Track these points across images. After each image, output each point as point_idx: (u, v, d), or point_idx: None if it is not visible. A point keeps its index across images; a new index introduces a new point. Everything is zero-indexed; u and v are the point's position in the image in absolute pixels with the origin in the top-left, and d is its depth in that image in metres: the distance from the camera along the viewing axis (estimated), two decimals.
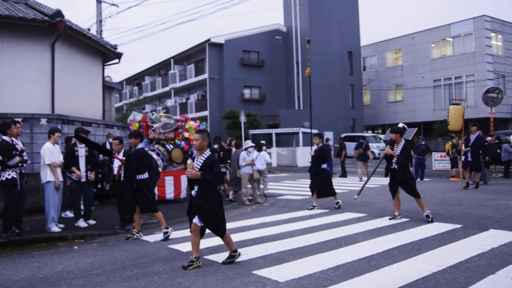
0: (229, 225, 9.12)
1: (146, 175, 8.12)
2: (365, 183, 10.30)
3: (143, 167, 8.05)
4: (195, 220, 6.00)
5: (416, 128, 9.89)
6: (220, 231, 6.11)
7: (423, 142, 18.84)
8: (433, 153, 23.34)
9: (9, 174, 8.12)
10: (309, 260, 6.18)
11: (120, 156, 8.67)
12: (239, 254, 6.23)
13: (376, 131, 48.62)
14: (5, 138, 8.27)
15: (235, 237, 7.83)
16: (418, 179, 18.26)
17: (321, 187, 11.02)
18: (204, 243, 7.38)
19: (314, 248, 6.89)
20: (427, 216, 8.85)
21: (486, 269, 5.47)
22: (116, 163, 9.02)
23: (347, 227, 8.63)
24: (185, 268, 5.88)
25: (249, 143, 13.01)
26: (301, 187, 16.64)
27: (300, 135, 30.82)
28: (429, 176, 19.63)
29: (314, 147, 11.19)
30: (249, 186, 13.08)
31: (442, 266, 5.62)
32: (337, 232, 8.15)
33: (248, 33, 41.14)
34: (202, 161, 6.03)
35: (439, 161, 22.53)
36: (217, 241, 7.59)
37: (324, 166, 11.08)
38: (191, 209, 6.09)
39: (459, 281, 5.04)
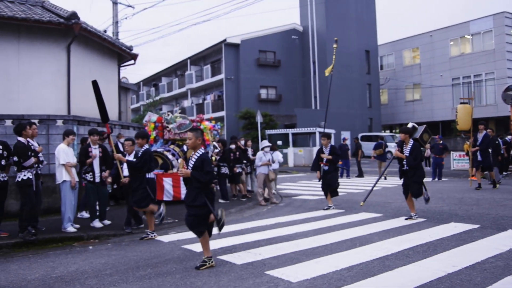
0: (244, 225, 9.22)
1: (152, 175, 8.45)
2: (372, 189, 10.24)
3: (151, 167, 8.39)
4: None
5: (425, 126, 9.65)
6: (197, 228, 6.00)
7: (441, 142, 18.62)
8: (452, 152, 23.05)
9: (24, 175, 8.17)
10: (322, 261, 6.14)
11: (131, 157, 8.54)
12: (212, 262, 6.01)
13: (394, 131, 48.21)
14: (21, 139, 8.33)
15: (249, 237, 7.89)
16: (436, 179, 18.07)
17: (327, 184, 10.96)
18: (218, 243, 7.42)
19: (328, 249, 6.84)
20: (410, 217, 8.98)
21: (503, 270, 5.37)
22: (126, 164, 8.93)
23: (362, 227, 8.56)
24: (197, 268, 5.87)
25: (265, 143, 12.95)
26: (317, 187, 16.46)
27: (317, 135, 30.68)
28: (447, 175, 19.38)
29: (328, 149, 10.99)
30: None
31: (458, 267, 5.53)
32: (352, 232, 8.09)
33: (264, 33, 41.07)
34: (194, 160, 6.01)
35: (457, 160, 22.22)
36: (230, 241, 7.65)
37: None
38: None
39: (475, 282, 4.95)
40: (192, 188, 5.96)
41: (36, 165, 8.54)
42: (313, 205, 11.91)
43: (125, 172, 8.85)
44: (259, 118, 28.20)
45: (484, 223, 8.43)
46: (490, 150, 14.35)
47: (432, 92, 41.97)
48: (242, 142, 14.55)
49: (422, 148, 20.05)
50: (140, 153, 8.23)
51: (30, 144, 8.60)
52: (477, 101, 38.74)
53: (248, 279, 5.39)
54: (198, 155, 6.03)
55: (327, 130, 32.15)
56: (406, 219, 9.08)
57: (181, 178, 12.08)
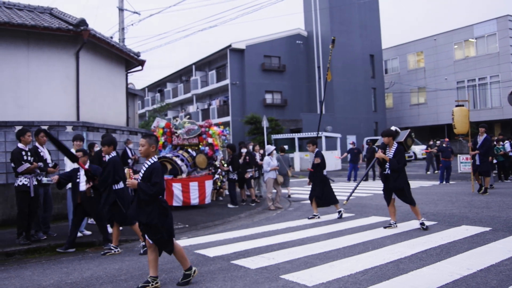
0: (254, 230, 9.24)
1: (121, 185, 7.64)
2: (355, 188, 10.03)
3: (119, 177, 7.57)
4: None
5: (409, 130, 9.28)
6: (167, 247, 5.45)
7: (448, 145, 18.64)
8: (459, 155, 23.05)
9: (20, 181, 8.14)
10: (336, 264, 6.15)
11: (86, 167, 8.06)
12: (194, 271, 5.58)
13: None
14: (20, 145, 8.29)
15: (262, 242, 7.90)
16: (444, 182, 18.07)
17: (320, 195, 10.52)
18: (231, 248, 7.47)
19: (341, 252, 6.86)
20: (422, 224, 8.40)
21: None
22: (83, 178, 8.16)
23: (373, 231, 8.56)
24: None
25: (270, 147, 12.96)
26: None
27: (323, 140, 30.71)
28: (454, 178, 19.35)
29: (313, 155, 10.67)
30: (274, 190, 13.02)
31: (473, 269, 5.53)
32: (364, 236, 8.10)
33: (269, 38, 41.16)
34: (144, 170, 5.45)
35: (464, 163, 22.18)
36: (243, 245, 7.66)
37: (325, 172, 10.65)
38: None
39: (491, 285, 4.95)
40: (140, 202, 5.36)
41: (45, 172, 8.57)
42: (322, 210, 11.82)
43: (82, 187, 8.19)
44: (265, 123, 28.26)
45: (496, 225, 8.41)
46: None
47: (437, 95, 41.91)
48: (250, 147, 14.59)
49: (434, 151, 19.84)
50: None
51: (40, 151, 8.68)
52: (482, 103, 38.72)
53: (264, 283, 5.40)
54: (148, 164, 5.44)
55: (333, 135, 32.42)
56: (385, 227, 8.76)
57: (190, 184, 12.27)
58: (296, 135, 32.54)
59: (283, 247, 7.41)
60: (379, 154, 8.68)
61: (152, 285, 5.38)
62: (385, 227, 8.75)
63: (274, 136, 32.06)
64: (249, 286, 5.35)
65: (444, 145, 18.66)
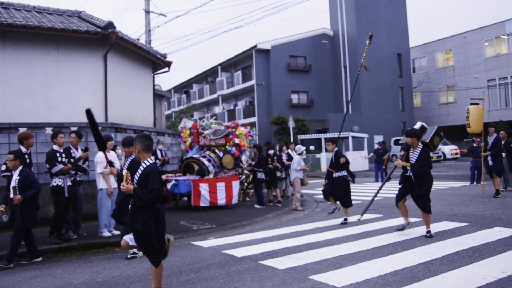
0: (282, 230, 9.20)
1: None
2: (372, 199, 9.91)
3: None
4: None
5: (436, 127, 8.57)
6: (156, 258, 5.00)
7: (479, 145, 18.23)
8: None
9: (55, 182, 8.37)
10: (365, 265, 6.07)
11: (16, 174, 7.33)
12: None
13: None
14: (54, 147, 8.56)
15: (289, 242, 7.87)
16: (475, 183, 17.69)
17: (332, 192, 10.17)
18: (258, 248, 7.44)
19: (370, 253, 6.77)
20: (428, 232, 7.81)
21: None
22: (13, 183, 7.29)
23: (402, 232, 8.39)
24: None
25: (302, 147, 12.87)
26: (352, 192, 16.36)
27: (350, 140, 30.48)
28: (485, 179, 18.87)
29: (333, 155, 10.10)
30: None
31: (507, 272, 5.38)
32: (393, 237, 7.98)
33: (294, 38, 41.05)
34: (139, 173, 4.99)
35: None
36: (271, 246, 7.64)
37: (343, 173, 10.12)
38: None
39: None
40: (135, 208, 4.94)
41: (74, 172, 8.78)
42: (350, 210, 11.70)
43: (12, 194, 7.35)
44: (291, 124, 28.18)
45: None
46: (504, 155, 13.46)
47: (467, 94, 41.02)
48: (277, 148, 14.54)
49: (465, 151, 19.20)
50: (127, 163, 7.21)
51: (72, 152, 8.86)
52: None
53: (292, 284, 5.37)
54: (143, 167, 4.97)
55: (360, 135, 32.14)
56: (398, 229, 8.45)
57: (217, 184, 12.29)
58: (322, 135, 32.32)
59: (311, 248, 7.37)
60: (397, 162, 8.21)
61: None
62: (398, 230, 8.39)
63: (300, 137, 31.94)
64: (278, 286, 5.33)
65: (474, 144, 18.25)
